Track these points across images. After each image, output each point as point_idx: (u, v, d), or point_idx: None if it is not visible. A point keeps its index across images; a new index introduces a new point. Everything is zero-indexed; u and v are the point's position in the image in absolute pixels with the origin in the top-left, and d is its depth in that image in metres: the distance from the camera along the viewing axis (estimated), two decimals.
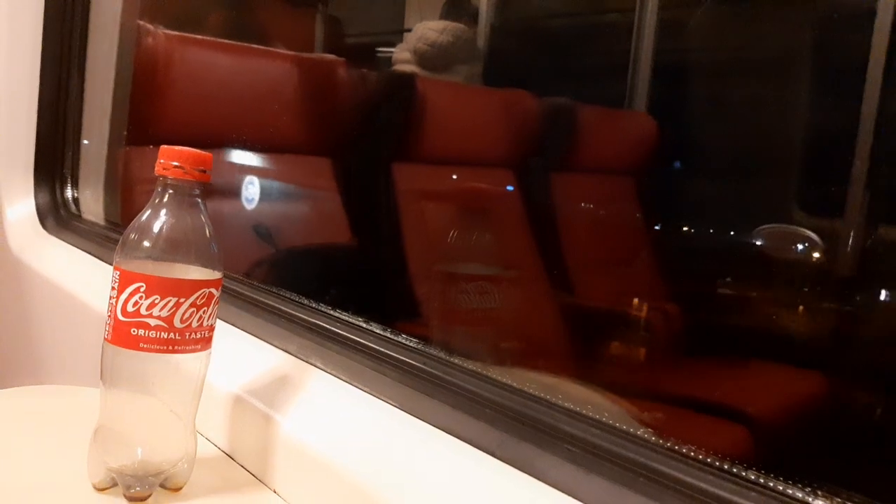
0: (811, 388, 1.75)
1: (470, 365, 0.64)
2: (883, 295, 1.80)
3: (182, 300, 0.57)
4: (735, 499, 0.45)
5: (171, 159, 0.58)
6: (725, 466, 0.47)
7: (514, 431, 0.55)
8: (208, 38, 1.56)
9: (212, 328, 0.60)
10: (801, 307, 1.88)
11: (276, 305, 0.81)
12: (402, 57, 2.21)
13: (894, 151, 1.74)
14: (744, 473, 0.46)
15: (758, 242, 1.92)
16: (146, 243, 0.58)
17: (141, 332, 0.57)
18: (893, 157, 1.75)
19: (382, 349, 0.69)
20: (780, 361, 1.74)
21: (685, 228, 2.14)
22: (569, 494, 0.50)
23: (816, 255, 1.89)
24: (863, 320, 1.82)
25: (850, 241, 1.82)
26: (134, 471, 0.59)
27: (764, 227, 1.95)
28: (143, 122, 1.37)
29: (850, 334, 1.81)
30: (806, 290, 1.89)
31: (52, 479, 0.61)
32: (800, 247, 1.91)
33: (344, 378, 0.68)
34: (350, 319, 0.75)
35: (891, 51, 1.73)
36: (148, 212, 0.59)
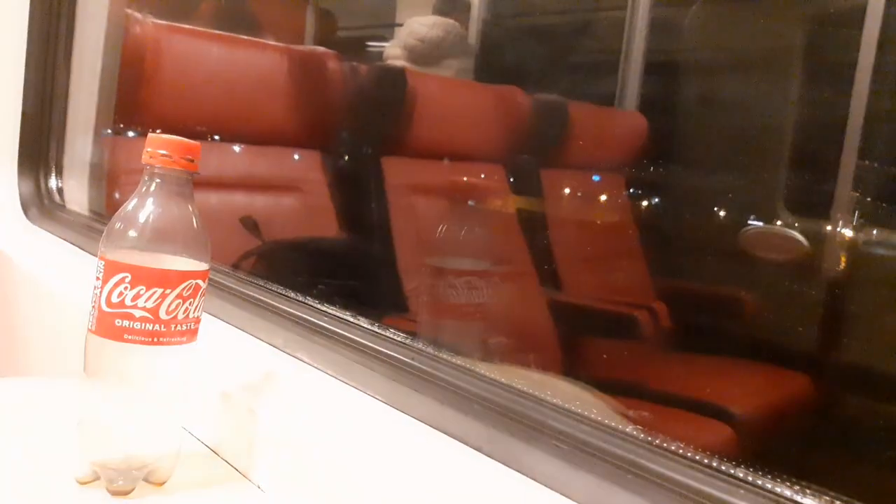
0: (795, 387, 1.77)
1: (458, 360, 0.64)
2: (867, 295, 1.82)
3: (168, 291, 0.56)
4: (724, 496, 0.44)
5: (158, 148, 0.57)
6: (714, 464, 0.47)
7: (502, 427, 0.55)
8: (197, 28, 1.55)
9: (198, 320, 0.60)
10: (785, 307, 1.89)
11: (263, 299, 0.81)
12: (393, 53, 2.21)
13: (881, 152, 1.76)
14: (732, 471, 0.46)
15: (743, 242, 1.93)
16: (132, 233, 0.57)
17: (125, 323, 0.56)
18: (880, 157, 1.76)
19: (370, 344, 0.68)
20: (765, 360, 1.75)
21: (673, 227, 2.15)
22: (556, 490, 0.49)
23: (801, 255, 1.91)
24: (847, 320, 1.84)
25: (835, 241, 1.83)
26: (117, 464, 0.58)
27: (749, 227, 1.96)
28: (130, 112, 1.35)
29: (833, 334, 1.83)
30: (790, 289, 1.90)
31: (34, 472, 0.60)
32: (785, 247, 1.92)
33: (330, 373, 0.68)
34: (337, 313, 0.74)
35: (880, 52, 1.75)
36: (134, 201, 0.58)
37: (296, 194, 1.59)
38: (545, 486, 0.50)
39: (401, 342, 0.68)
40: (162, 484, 0.60)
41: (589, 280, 1.98)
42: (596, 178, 2.22)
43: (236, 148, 1.53)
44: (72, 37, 1.32)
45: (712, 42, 2.23)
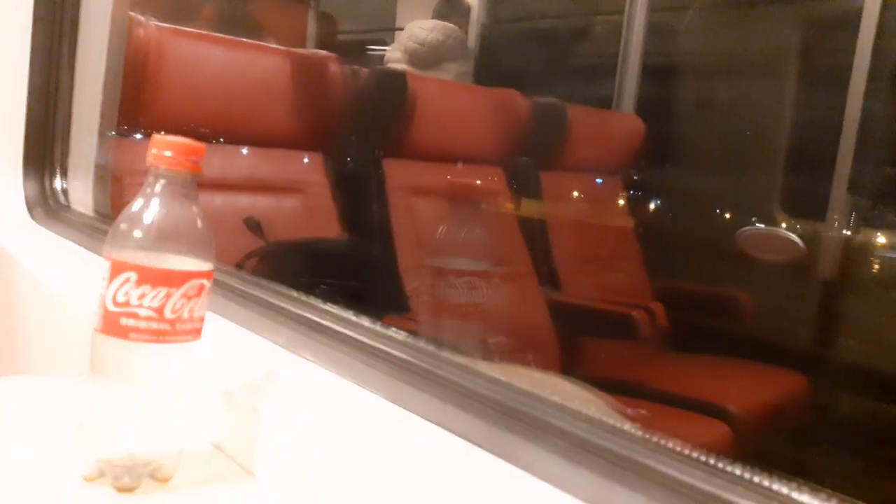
0: (791, 386, 1.78)
1: (458, 359, 0.65)
2: (862, 295, 1.83)
3: (173, 290, 0.57)
4: (721, 494, 0.45)
5: (163, 149, 0.58)
6: (711, 461, 0.47)
7: (502, 424, 0.55)
8: (200, 31, 1.56)
9: (202, 319, 0.60)
10: (781, 307, 1.90)
11: (267, 298, 0.81)
12: (393, 56, 2.22)
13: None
14: (729, 468, 0.47)
15: (739, 243, 1.94)
16: (137, 233, 0.58)
17: (131, 321, 0.57)
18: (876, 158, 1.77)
19: (372, 342, 0.69)
20: (762, 360, 1.76)
21: (670, 228, 2.16)
22: (556, 486, 0.50)
23: (797, 255, 1.91)
24: (842, 320, 1.85)
25: (831, 241, 1.84)
26: (122, 462, 0.58)
27: (745, 228, 1.97)
28: (133, 114, 1.36)
29: (828, 334, 1.84)
30: (786, 290, 1.91)
31: (39, 470, 0.61)
32: (780, 248, 1.93)
33: (333, 370, 0.69)
34: (340, 312, 0.75)
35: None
36: (139, 201, 0.59)
37: (298, 196, 1.60)
38: (544, 481, 0.51)
39: (402, 341, 0.68)
40: (167, 481, 0.61)
41: (587, 281, 1.99)
42: (594, 180, 2.23)
43: (239, 150, 1.54)
44: (75, 39, 1.32)
45: (709, 45, 2.24)
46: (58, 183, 1.34)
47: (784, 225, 1.98)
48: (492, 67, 2.58)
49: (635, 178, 2.22)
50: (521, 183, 1.99)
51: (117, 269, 0.57)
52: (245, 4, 2.21)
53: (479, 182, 1.83)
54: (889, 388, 1.62)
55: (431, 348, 0.67)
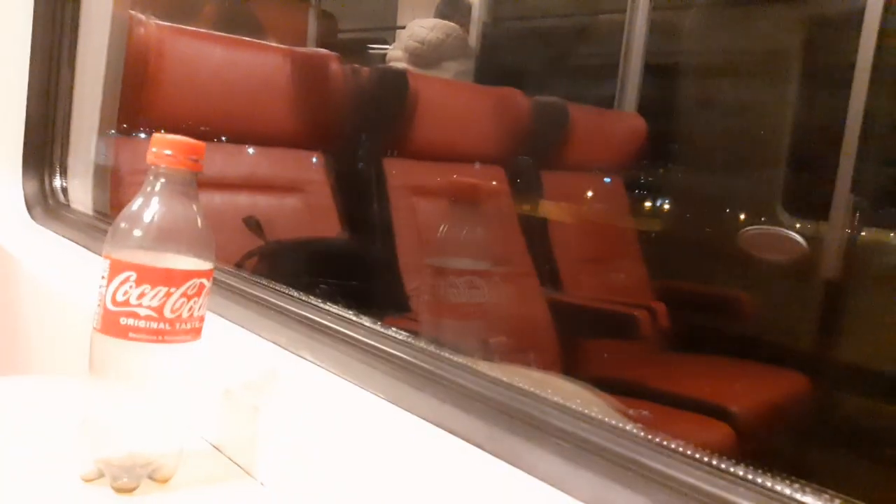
0: (793, 386, 1.78)
1: (459, 359, 0.65)
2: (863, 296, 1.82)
3: (173, 290, 0.57)
4: (723, 494, 0.45)
5: (163, 148, 0.58)
6: (714, 462, 0.47)
7: (504, 425, 0.55)
8: (200, 29, 1.56)
9: (202, 319, 0.60)
10: (783, 306, 1.90)
11: (267, 298, 0.81)
12: (395, 55, 2.22)
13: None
14: (732, 469, 0.47)
15: (742, 243, 1.94)
16: (137, 232, 0.58)
17: (130, 321, 0.56)
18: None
19: (372, 342, 0.69)
20: (763, 360, 1.76)
21: (672, 228, 2.16)
22: (557, 488, 0.50)
23: (799, 255, 1.91)
24: (845, 321, 1.85)
25: (833, 241, 1.84)
26: (121, 462, 0.58)
27: (748, 228, 1.97)
28: (133, 113, 1.36)
29: (832, 335, 1.84)
30: (789, 290, 1.91)
31: (38, 470, 0.61)
32: (783, 248, 1.93)
33: (333, 371, 0.68)
34: (340, 312, 0.75)
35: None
36: (139, 200, 0.59)
37: (298, 195, 1.60)
38: (545, 482, 0.51)
39: (403, 341, 0.68)
40: (166, 481, 0.60)
41: (589, 280, 1.98)
42: (596, 179, 2.23)
43: (240, 149, 1.54)
44: (75, 38, 1.32)
45: (711, 44, 2.24)
46: (57, 182, 1.34)
47: (798, 225, 1.98)
48: (493, 66, 2.58)
49: (637, 177, 2.22)
50: (522, 182, 1.98)
51: (117, 268, 0.57)
52: (246, 3, 2.21)
53: (479, 182, 1.83)
54: (891, 387, 1.62)
55: (432, 348, 0.66)
